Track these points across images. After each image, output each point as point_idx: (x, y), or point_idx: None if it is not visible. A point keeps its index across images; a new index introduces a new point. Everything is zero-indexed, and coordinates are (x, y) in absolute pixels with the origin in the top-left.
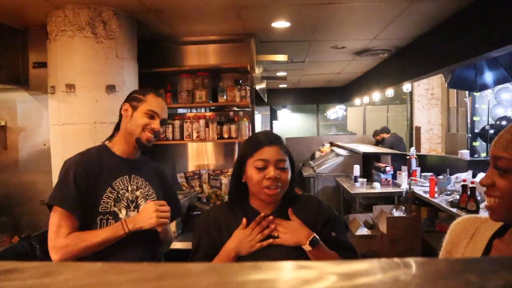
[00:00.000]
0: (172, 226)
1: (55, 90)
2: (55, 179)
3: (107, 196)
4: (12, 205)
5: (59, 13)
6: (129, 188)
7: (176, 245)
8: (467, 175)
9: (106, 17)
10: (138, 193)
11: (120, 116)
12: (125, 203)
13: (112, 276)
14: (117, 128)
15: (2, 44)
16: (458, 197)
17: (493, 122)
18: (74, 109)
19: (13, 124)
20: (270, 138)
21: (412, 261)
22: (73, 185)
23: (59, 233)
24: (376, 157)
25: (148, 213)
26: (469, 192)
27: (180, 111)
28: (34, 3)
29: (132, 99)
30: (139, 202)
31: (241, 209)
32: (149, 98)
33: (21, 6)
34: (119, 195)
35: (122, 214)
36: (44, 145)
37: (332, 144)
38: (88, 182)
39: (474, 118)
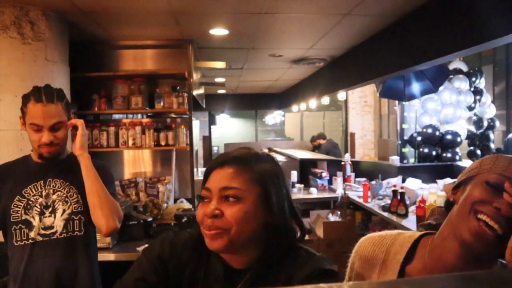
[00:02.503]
0: (107, 237)
1: None
2: None
3: (15, 205)
4: None
5: None
6: (43, 193)
7: (110, 257)
8: (397, 180)
9: (34, 17)
10: (54, 196)
11: None
12: (38, 210)
13: None
14: None
15: None
16: (389, 201)
17: (420, 130)
18: None
19: None
20: (223, 158)
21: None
22: None
23: None
24: (313, 163)
25: None
26: (399, 197)
27: (115, 117)
28: None
29: (21, 110)
30: (56, 206)
31: (206, 255)
32: (29, 108)
33: None
34: (30, 202)
35: (36, 221)
36: None
37: (270, 149)
38: None
39: (403, 126)
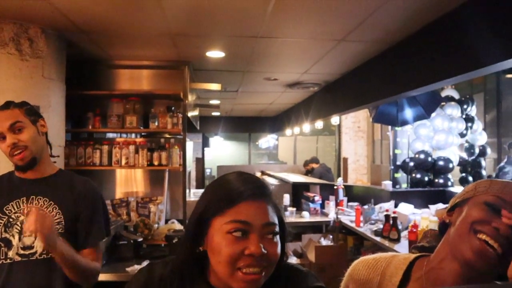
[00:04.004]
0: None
1: None
2: None
3: None
4: None
5: None
6: (25, 211)
7: (101, 276)
8: (389, 205)
9: (33, 34)
10: None
11: None
12: (18, 228)
13: None
14: None
15: None
16: (381, 226)
17: (413, 155)
18: None
19: None
20: (253, 186)
21: None
22: None
23: None
24: (306, 186)
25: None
26: (391, 222)
27: (109, 135)
28: None
29: None
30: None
31: (189, 284)
32: None
33: None
34: (11, 220)
35: (15, 241)
36: None
37: (263, 173)
38: None
39: (396, 151)
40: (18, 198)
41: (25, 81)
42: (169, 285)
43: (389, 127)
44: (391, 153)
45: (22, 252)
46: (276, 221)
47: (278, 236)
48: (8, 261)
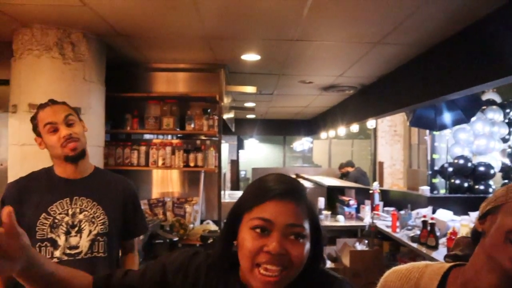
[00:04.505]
0: None
1: (17, 109)
2: None
3: (41, 223)
4: None
5: (26, 32)
6: (70, 212)
7: None
8: (427, 211)
9: (76, 38)
10: (81, 216)
11: None
12: (64, 229)
13: None
14: None
15: None
16: (418, 232)
17: (452, 161)
18: None
19: None
20: (283, 187)
21: None
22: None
23: None
24: (341, 190)
25: None
26: (429, 228)
27: (146, 137)
28: (1, 19)
29: (34, 128)
30: (82, 226)
31: (224, 283)
32: (39, 115)
33: None
34: (56, 221)
35: (61, 241)
36: (1, 165)
37: (298, 176)
38: (19, 207)
39: (434, 156)
40: (61, 199)
41: (68, 84)
42: (202, 275)
43: (427, 131)
44: (428, 158)
45: (68, 251)
46: (304, 224)
47: (305, 239)
48: (55, 260)
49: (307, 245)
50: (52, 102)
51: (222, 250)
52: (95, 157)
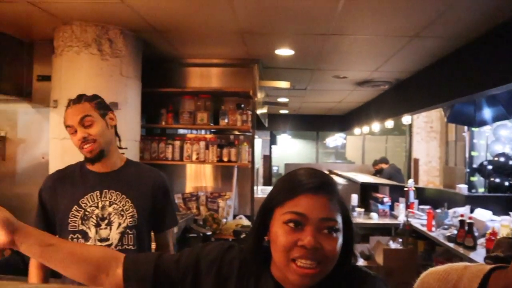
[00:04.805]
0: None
1: (57, 104)
2: None
3: (73, 215)
4: None
5: (66, 29)
6: (99, 205)
7: None
8: (464, 210)
9: (113, 35)
10: (110, 209)
11: None
12: (94, 221)
13: None
14: None
15: (8, 56)
16: (455, 231)
17: (491, 158)
18: None
19: (13, 135)
20: (315, 181)
21: None
22: (39, 202)
23: None
24: (374, 187)
25: None
26: (466, 228)
27: (181, 131)
28: (43, 17)
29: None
30: (111, 219)
31: (257, 277)
32: (66, 113)
33: (31, 20)
34: (87, 213)
35: (92, 233)
36: (43, 158)
37: (330, 172)
38: (53, 200)
39: (472, 153)
40: (92, 192)
41: (105, 79)
42: (235, 269)
43: (465, 127)
44: (467, 155)
45: (99, 243)
46: (337, 218)
47: (338, 233)
48: None
49: (340, 239)
50: (73, 102)
51: (254, 245)
52: (131, 151)
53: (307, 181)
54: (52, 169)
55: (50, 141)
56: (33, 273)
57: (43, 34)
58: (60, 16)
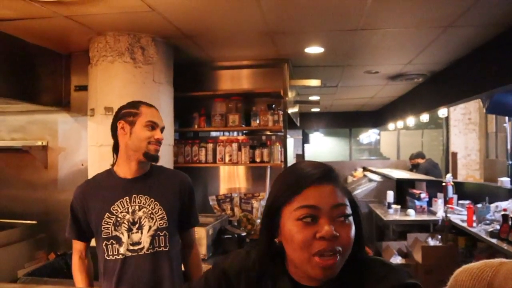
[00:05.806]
0: (203, 249)
1: (94, 113)
2: None
3: (106, 222)
4: (50, 223)
5: (100, 39)
6: (130, 210)
7: (205, 268)
8: (508, 204)
9: (145, 43)
10: (140, 213)
11: (115, 137)
12: (126, 226)
13: None
14: (115, 150)
15: (48, 68)
16: (498, 227)
17: None
18: None
19: (54, 144)
20: (319, 171)
21: None
22: (70, 212)
23: (72, 257)
24: (411, 183)
25: None
26: (510, 223)
27: (213, 134)
28: (78, 29)
29: (125, 115)
30: (142, 222)
31: (274, 278)
32: (143, 110)
33: (67, 33)
34: (118, 219)
35: (125, 238)
36: (82, 165)
37: (365, 169)
38: (84, 209)
39: None
40: (121, 198)
41: (139, 86)
42: (257, 268)
43: (506, 118)
44: (508, 147)
45: (132, 247)
46: (347, 202)
47: (350, 218)
48: (121, 256)
49: (353, 225)
50: (147, 104)
51: (267, 248)
52: (166, 156)
53: (311, 173)
54: (90, 175)
55: (88, 148)
56: (78, 277)
57: (79, 46)
58: (94, 28)
